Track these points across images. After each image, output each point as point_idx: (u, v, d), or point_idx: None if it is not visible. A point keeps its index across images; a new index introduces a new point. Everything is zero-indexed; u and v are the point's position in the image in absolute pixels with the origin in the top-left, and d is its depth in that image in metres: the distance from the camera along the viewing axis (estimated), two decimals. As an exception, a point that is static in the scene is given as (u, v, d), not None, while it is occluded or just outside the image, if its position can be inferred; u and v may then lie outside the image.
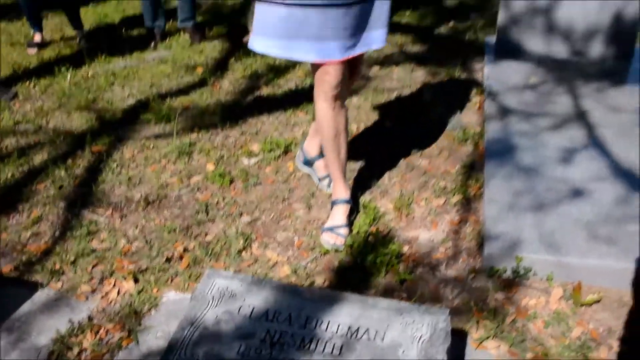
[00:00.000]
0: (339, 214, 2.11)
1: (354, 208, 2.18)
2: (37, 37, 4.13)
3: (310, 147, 2.38)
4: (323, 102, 1.96)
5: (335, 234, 2.05)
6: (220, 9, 4.92)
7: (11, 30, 4.52)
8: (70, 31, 4.37)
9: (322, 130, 2.02)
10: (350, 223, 2.12)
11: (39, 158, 2.66)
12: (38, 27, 4.15)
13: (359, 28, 1.86)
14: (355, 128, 2.84)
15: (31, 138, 2.86)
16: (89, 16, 4.87)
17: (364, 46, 1.92)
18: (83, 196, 2.37)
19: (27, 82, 3.49)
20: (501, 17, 3.43)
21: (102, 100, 3.25)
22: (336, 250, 2.02)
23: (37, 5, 4.11)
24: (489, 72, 3.27)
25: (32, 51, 4.03)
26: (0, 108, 3.16)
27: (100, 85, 3.43)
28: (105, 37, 4.32)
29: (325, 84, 1.91)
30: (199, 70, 3.57)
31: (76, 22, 4.20)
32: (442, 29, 4.30)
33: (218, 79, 3.45)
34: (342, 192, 2.13)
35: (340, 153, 2.06)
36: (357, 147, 2.63)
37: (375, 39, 1.94)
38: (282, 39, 1.80)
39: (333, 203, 2.15)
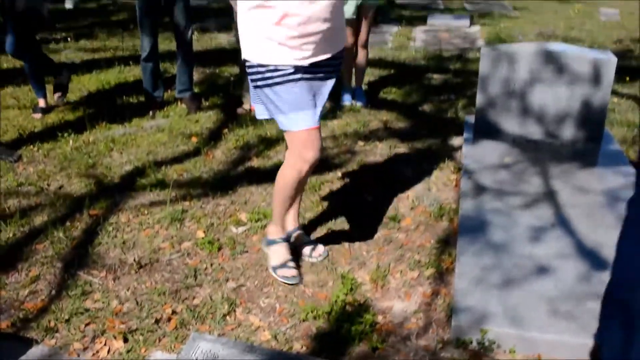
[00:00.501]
0: (283, 251, 2.39)
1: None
2: (42, 103, 4.36)
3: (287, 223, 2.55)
4: (296, 171, 2.21)
5: (287, 268, 2.33)
6: (216, 80, 5.20)
7: (18, 95, 4.76)
8: (73, 96, 4.62)
9: (285, 192, 2.29)
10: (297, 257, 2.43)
11: (39, 219, 2.82)
12: (42, 92, 4.38)
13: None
14: (338, 200, 3.03)
15: (33, 200, 3.02)
16: (92, 83, 5.13)
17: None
18: (79, 257, 2.51)
19: (31, 146, 3.69)
20: (479, 99, 3.68)
21: (101, 165, 3.43)
22: (296, 284, 2.27)
23: (41, 72, 4.36)
24: (467, 150, 3.49)
25: (37, 116, 4.25)
26: (5, 170, 3.34)
27: (100, 151, 3.62)
28: (106, 104, 4.55)
29: (311, 151, 2.16)
30: (194, 139, 3.78)
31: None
32: (426, 107, 4.57)
33: (211, 149, 3.65)
34: (280, 231, 2.43)
35: (291, 204, 2.39)
36: (338, 219, 2.80)
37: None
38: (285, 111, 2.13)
39: (271, 242, 2.43)
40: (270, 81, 2.11)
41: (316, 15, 2.04)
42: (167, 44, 5.83)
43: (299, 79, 2.11)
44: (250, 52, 2.12)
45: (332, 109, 4.38)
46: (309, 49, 2.08)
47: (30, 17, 3.97)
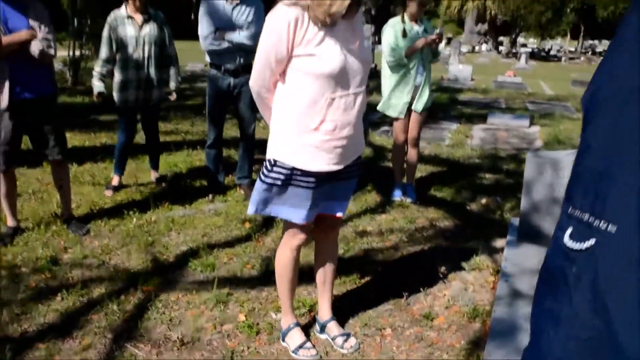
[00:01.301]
0: (298, 335, 2.59)
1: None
2: (115, 181, 4.76)
3: (322, 312, 2.73)
4: (289, 251, 2.51)
5: (305, 349, 2.53)
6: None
7: (94, 172, 5.21)
8: (144, 177, 5.01)
9: (283, 275, 2.56)
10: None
11: (97, 291, 3.06)
12: (120, 171, 4.79)
13: (326, 198, 2.44)
14: (375, 294, 3.13)
15: (94, 272, 3.28)
16: (161, 164, 5.51)
17: (327, 211, 2.50)
18: (129, 330, 2.71)
19: (100, 221, 4.02)
20: (523, 203, 3.76)
21: (159, 244, 3.70)
22: None
23: (127, 153, 4.81)
24: (508, 253, 3.55)
25: (109, 193, 4.64)
26: (74, 242, 3.65)
27: (160, 230, 3.91)
28: (171, 185, 4.91)
29: (297, 239, 2.48)
30: (247, 225, 4.02)
31: (155, 164, 4.99)
32: (474, 206, 4.67)
33: (262, 236, 3.87)
34: (290, 319, 2.65)
35: (293, 289, 2.62)
36: (373, 312, 2.91)
37: (337, 208, 2.52)
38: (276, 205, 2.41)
39: (285, 332, 2.64)
40: (294, 182, 2.30)
41: (348, 121, 2.26)
42: (232, 130, 6.25)
43: (318, 185, 2.32)
44: (283, 154, 2.29)
45: (382, 204, 4.56)
46: (339, 154, 2.29)
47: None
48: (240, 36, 4.30)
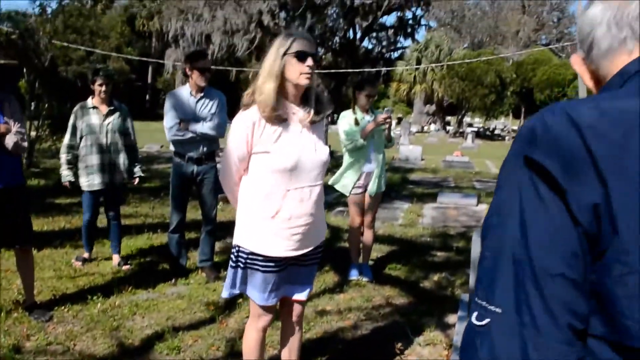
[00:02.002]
0: None
1: None
2: (86, 255, 5.07)
3: None
4: (255, 332, 2.65)
5: None
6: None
7: (54, 257, 5.25)
8: (106, 261, 5.08)
9: (250, 355, 2.67)
10: None
11: (63, 378, 3.10)
12: (89, 247, 5.10)
13: (289, 282, 2.62)
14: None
15: (59, 359, 3.32)
16: (123, 248, 5.59)
17: (290, 294, 2.67)
18: (96, 416, 2.76)
19: (63, 307, 4.06)
20: (472, 279, 4.02)
21: (124, 328, 3.77)
22: None
23: (94, 229, 5.09)
24: (459, 328, 3.77)
25: (78, 264, 4.90)
26: (37, 329, 3.68)
27: (124, 314, 3.98)
28: (133, 269, 4.99)
29: (262, 320, 2.63)
30: (211, 307, 4.13)
31: (117, 248, 5.11)
32: (427, 283, 4.91)
33: (226, 317, 3.98)
34: None
35: None
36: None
37: (300, 291, 2.68)
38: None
39: None
40: (255, 266, 2.50)
41: (303, 212, 2.48)
42: (191, 212, 6.40)
43: (279, 270, 2.51)
44: (245, 240, 2.51)
45: (340, 284, 4.75)
46: (297, 241, 2.50)
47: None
48: (203, 127, 4.57)
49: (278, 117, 2.41)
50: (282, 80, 2.43)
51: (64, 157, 4.92)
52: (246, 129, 2.42)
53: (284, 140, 2.44)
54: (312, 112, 2.49)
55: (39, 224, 6.48)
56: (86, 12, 33.33)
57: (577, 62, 1.09)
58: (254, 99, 2.44)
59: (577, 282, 0.84)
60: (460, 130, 34.71)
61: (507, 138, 33.96)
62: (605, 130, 0.85)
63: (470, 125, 39.62)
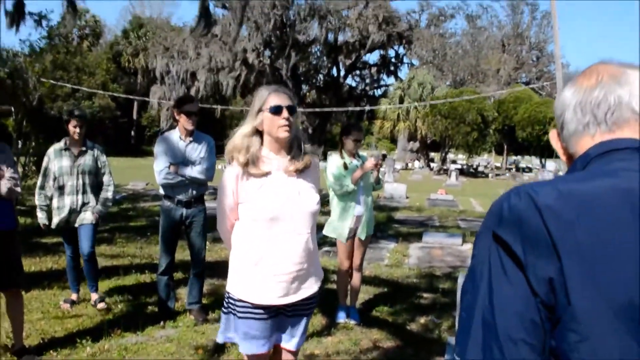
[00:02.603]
0: None
1: None
2: (74, 297, 5.06)
3: None
4: None
5: None
6: (224, 293, 5.67)
7: (42, 299, 5.24)
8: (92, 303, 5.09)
9: None
10: None
11: None
12: (76, 289, 5.10)
13: (279, 331, 2.66)
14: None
15: (48, 405, 3.32)
16: (110, 289, 5.63)
17: (281, 343, 2.68)
18: None
19: (51, 351, 4.06)
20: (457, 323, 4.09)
21: (113, 373, 3.77)
22: None
23: (77, 270, 5.11)
24: (446, 372, 3.82)
25: (66, 306, 4.90)
26: (25, 375, 3.68)
27: (113, 358, 3.98)
28: (121, 311, 5.00)
29: None
30: (199, 351, 4.15)
31: (94, 286, 5.14)
32: (414, 326, 4.97)
33: (215, 361, 4.01)
34: None
35: None
36: None
37: (291, 341, 2.69)
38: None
39: None
40: (243, 313, 2.56)
41: (289, 260, 2.55)
42: (181, 252, 6.43)
43: (267, 317, 2.56)
44: (234, 287, 2.59)
45: (327, 326, 4.79)
46: (283, 289, 2.55)
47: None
48: (193, 170, 4.66)
49: (260, 172, 2.52)
50: (263, 134, 2.55)
51: (37, 199, 5.09)
52: (231, 183, 2.54)
53: (265, 191, 2.53)
54: (294, 160, 2.59)
55: (26, 265, 6.43)
56: (73, 49, 33.56)
57: (553, 138, 1.23)
58: (234, 155, 2.54)
59: (536, 346, 0.96)
60: (444, 167, 35.10)
61: (490, 175, 34.38)
62: (561, 210, 0.97)
63: (454, 162, 40.14)
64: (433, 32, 40.93)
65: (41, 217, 5.08)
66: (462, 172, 32.93)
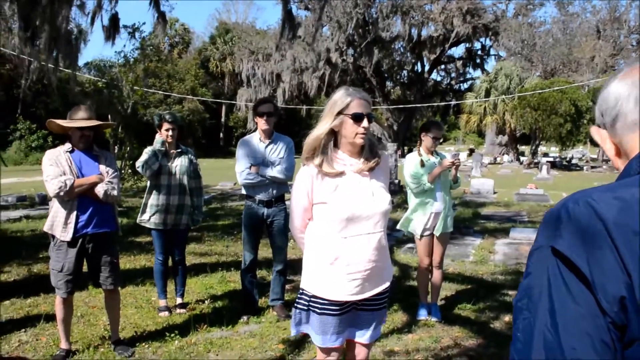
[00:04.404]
0: None
1: None
2: (164, 302, 5.13)
3: None
4: None
5: None
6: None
7: (136, 295, 5.56)
8: (187, 298, 5.33)
9: None
10: None
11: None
12: (164, 294, 5.17)
13: (353, 326, 2.71)
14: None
15: (140, 394, 3.53)
16: (198, 286, 5.89)
17: (355, 337, 2.73)
18: None
19: (143, 343, 4.31)
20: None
21: (199, 365, 3.95)
22: None
23: (165, 276, 5.19)
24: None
25: (164, 314, 4.99)
26: (120, 365, 3.93)
27: (200, 351, 4.17)
28: (208, 307, 5.21)
29: None
30: (281, 346, 4.26)
31: (180, 290, 5.26)
32: (498, 324, 4.85)
33: (296, 357, 4.09)
34: None
35: None
36: None
37: (364, 335, 2.74)
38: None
39: None
40: (317, 309, 2.62)
41: (363, 258, 2.58)
42: (262, 250, 6.60)
43: (340, 313, 2.61)
44: (308, 283, 2.66)
45: (408, 323, 4.77)
46: (356, 286, 2.59)
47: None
48: (273, 171, 4.78)
49: (335, 172, 2.57)
50: (337, 135, 2.59)
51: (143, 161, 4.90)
52: (306, 184, 2.61)
53: (340, 191, 2.58)
54: (366, 161, 2.62)
55: (122, 262, 6.84)
56: (164, 58, 35.19)
57: (598, 133, 1.14)
58: (310, 155, 2.61)
59: None
60: (535, 161, 33.76)
61: (585, 168, 32.71)
62: (626, 220, 0.89)
63: (545, 155, 38.51)
64: (521, 22, 39.42)
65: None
66: (554, 165, 31.53)
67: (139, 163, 4.95)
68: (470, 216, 11.60)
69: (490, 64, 41.15)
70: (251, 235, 5.01)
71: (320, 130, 2.61)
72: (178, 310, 5.13)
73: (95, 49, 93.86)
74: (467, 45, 39.01)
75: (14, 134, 35.71)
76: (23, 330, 4.59)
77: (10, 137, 35.86)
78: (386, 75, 38.55)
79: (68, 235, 3.85)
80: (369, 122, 2.57)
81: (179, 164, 5.04)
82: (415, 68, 39.51)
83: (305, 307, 2.65)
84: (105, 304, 4.29)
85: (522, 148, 43.17)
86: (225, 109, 47.31)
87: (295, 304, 2.72)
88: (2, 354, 4.13)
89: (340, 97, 2.60)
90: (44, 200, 12.62)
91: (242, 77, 37.87)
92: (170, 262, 5.23)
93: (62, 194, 3.78)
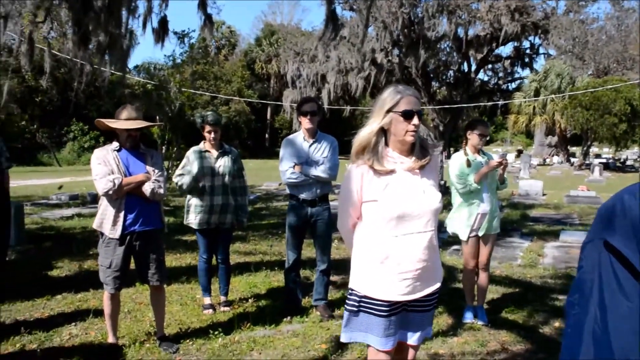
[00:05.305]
0: None
1: None
2: (208, 300, 5.16)
3: None
4: None
5: None
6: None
7: (181, 292, 5.63)
8: (231, 296, 5.38)
9: None
10: None
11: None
12: (208, 292, 5.21)
13: (402, 327, 2.65)
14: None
15: (184, 390, 3.56)
16: (242, 285, 5.93)
17: (404, 339, 2.67)
18: None
19: (188, 340, 4.35)
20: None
21: (242, 363, 3.97)
22: None
23: (209, 274, 5.22)
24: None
25: (208, 312, 5.03)
26: (166, 359, 3.99)
27: (243, 350, 4.19)
28: (251, 306, 5.24)
29: None
30: (324, 346, 4.23)
31: (224, 289, 5.27)
32: (547, 329, 4.70)
33: (338, 357, 4.06)
34: None
35: None
36: None
37: (413, 337, 2.69)
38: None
39: None
40: (367, 309, 2.58)
41: (413, 258, 2.53)
42: (307, 250, 6.60)
43: (390, 314, 2.56)
44: (358, 283, 2.62)
45: (453, 326, 4.68)
46: (407, 286, 2.55)
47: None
48: (316, 170, 4.76)
49: (385, 170, 2.52)
50: (387, 133, 2.55)
51: (185, 184, 4.95)
52: (356, 182, 2.57)
53: (391, 189, 2.53)
54: (417, 159, 2.57)
55: (168, 260, 6.92)
56: (211, 60, 35.73)
57: None
58: (360, 153, 2.57)
59: None
60: (586, 162, 32.77)
61: (640, 169, 31.57)
62: None
63: (597, 156, 37.35)
64: (572, 19, 38.32)
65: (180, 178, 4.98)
66: (606, 166, 30.55)
67: (177, 180, 5.01)
68: (518, 218, 11.34)
69: (539, 63, 40.06)
70: (295, 235, 5.01)
71: (369, 128, 2.58)
72: (222, 309, 5.15)
73: (144, 52, 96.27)
74: (516, 44, 38.18)
75: (67, 136, 36.95)
76: (73, 324, 4.71)
77: (64, 139, 37.12)
78: (432, 75, 38.10)
79: (116, 233, 3.93)
80: (419, 119, 2.52)
81: (222, 164, 5.04)
82: (462, 68, 38.89)
83: (356, 308, 2.61)
84: (151, 301, 4.36)
85: (573, 149, 41.99)
86: (270, 111, 47.71)
87: (345, 305, 2.68)
88: (54, 345, 4.25)
89: (390, 94, 2.56)
90: (95, 198, 12.98)
91: (288, 78, 38.09)
92: (214, 261, 5.27)
93: (110, 192, 3.86)
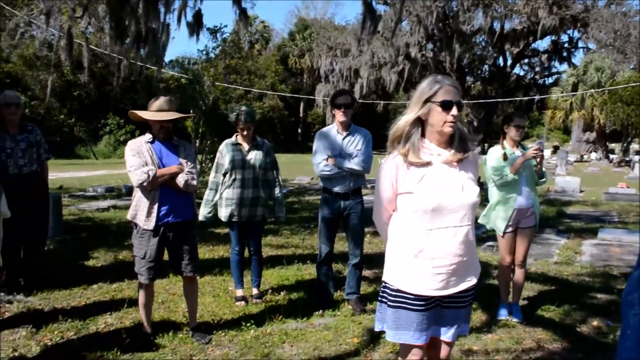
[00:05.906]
0: None
1: None
2: (240, 292, 5.18)
3: None
4: None
5: None
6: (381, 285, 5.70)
7: (214, 284, 5.68)
8: (263, 288, 5.39)
9: None
10: None
11: (220, 399, 3.34)
12: (241, 284, 5.22)
13: (436, 323, 2.60)
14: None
15: (216, 381, 3.58)
16: (274, 277, 5.94)
17: (437, 334, 2.62)
18: None
19: (220, 331, 4.38)
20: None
21: (274, 355, 3.97)
22: None
23: (241, 266, 5.24)
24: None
25: (241, 304, 5.05)
26: (198, 350, 4.01)
27: (275, 342, 4.19)
28: (283, 299, 5.24)
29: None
30: (356, 340, 4.21)
31: (256, 282, 5.29)
32: (585, 328, 4.58)
33: (370, 351, 4.03)
34: None
35: None
36: None
37: (447, 333, 2.63)
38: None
39: None
40: (401, 304, 2.53)
41: (448, 252, 2.48)
42: (339, 244, 6.58)
43: (424, 309, 2.51)
44: (392, 277, 2.58)
45: (488, 323, 4.60)
46: (441, 281, 2.50)
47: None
48: (350, 163, 4.73)
49: (421, 161, 2.48)
50: (425, 123, 2.50)
51: (207, 193, 5.10)
52: (391, 173, 2.53)
53: (427, 182, 2.48)
54: (456, 152, 2.51)
55: (201, 253, 7.01)
56: (245, 54, 35.97)
57: None
58: (396, 143, 2.53)
59: None
60: (626, 158, 31.93)
61: (682, 167, 30.57)
62: None
63: (638, 152, 36.34)
64: (614, 11, 37.30)
65: (205, 211, 5.11)
66: (648, 164, 29.67)
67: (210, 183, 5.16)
68: (554, 215, 11.11)
69: (578, 57, 39.18)
70: (327, 228, 4.98)
71: (406, 118, 2.53)
72: (254, 301, 5.17)
73: (178, 46, 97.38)
74: (553, 37, 37.38)
75: (104, 129, 37.66)
76: (108, 313, 4.79)
77: (100, 132, 37.85)
78: (466, 70, 37.62)
79: (150, 224, 3.96)
80: (459, 110, 2.46)
81: (253, 157, 5.04)
82: (497, 62, 38.30)
83: (388, 302, 2.58)
84: (184, 292, 4.39)
85: (612, 145, 40.98)
86: (303, 105, 47.79)
87: (379, 298, 2.66)
88: (90, 332, 4.33)
89: (428, 84, 2.50)
90: (130, 191, 13.16)
91: (321, 72, 38.12)
92: (246, 254, 5.29)
93: (145, 184, 3.89)
